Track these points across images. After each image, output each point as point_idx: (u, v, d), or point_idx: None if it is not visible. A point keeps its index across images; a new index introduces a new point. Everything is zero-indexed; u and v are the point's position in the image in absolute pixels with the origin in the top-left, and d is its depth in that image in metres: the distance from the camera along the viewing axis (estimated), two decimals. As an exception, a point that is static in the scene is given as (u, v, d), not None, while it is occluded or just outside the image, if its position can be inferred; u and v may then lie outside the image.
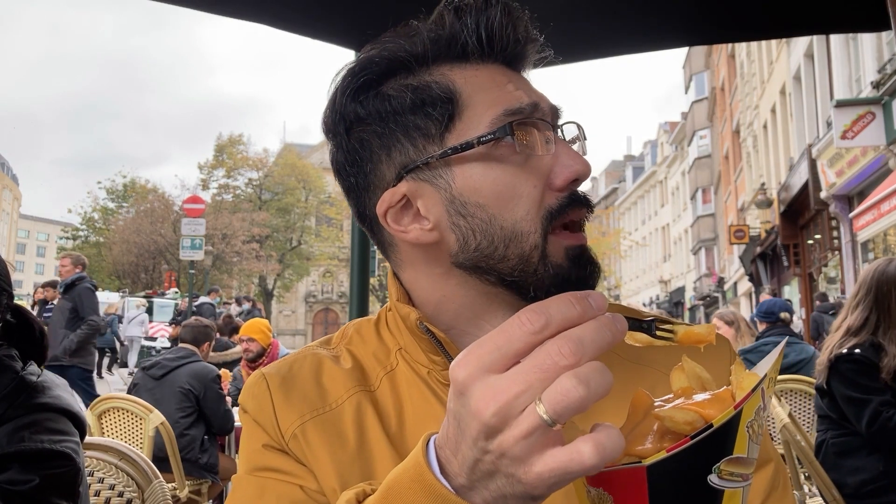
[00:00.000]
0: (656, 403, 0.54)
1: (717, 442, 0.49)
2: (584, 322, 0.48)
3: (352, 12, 2.01)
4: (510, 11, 0.79)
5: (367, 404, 0.81)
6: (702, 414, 0.50)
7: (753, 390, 0.50)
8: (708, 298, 35.63)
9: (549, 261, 0.76)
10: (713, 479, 0.50)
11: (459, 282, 0.80)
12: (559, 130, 0.81)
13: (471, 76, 0.79)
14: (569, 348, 0.47)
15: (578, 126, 0.83)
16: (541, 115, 0.78)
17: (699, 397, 0.53)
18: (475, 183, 0.76)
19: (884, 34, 12.22)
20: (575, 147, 0.82)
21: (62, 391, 1.34)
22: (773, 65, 21.05)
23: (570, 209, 0.77)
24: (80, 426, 1.34)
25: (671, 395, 0.55)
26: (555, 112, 0.81)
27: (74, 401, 1.37)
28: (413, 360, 0.83)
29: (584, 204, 0.78)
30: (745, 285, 26.71)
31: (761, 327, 4.99)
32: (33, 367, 1.34)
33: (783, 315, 4.95)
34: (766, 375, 0.52)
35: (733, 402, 0.51)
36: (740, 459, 0.50)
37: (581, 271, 0.77)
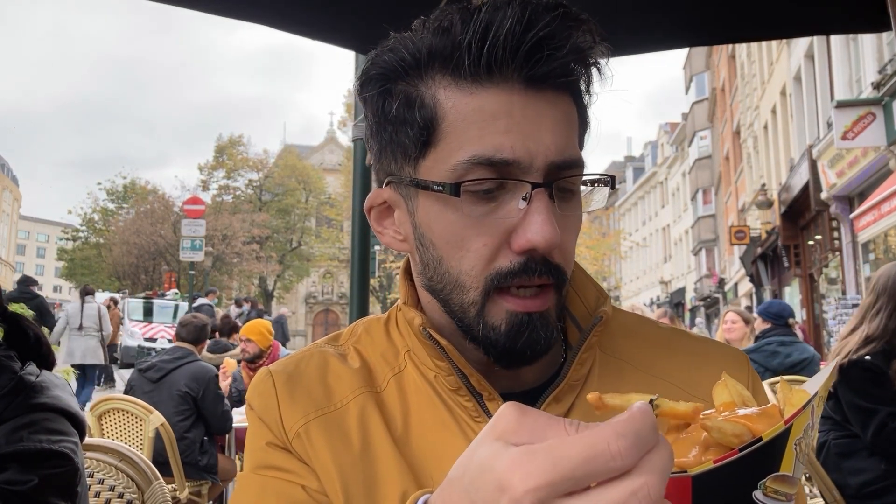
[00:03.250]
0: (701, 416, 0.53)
1: (764, 457, 0.48)
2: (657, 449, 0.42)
3: (353, 13, 2.00)
4: (531, 17, 0.68)
5: (373, 406, 0.80)
6: (750, 428, 0.49)
7: (804, 407, 0.49)
8: (708, 299, 35.63)
9: (485, 320, 0.73)
10: (758, 495, 0.48)
11: (431, 298, 0.81)
12: (550, 188, 0.70)
13: (463, 100, 0.71)
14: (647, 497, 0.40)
15: (595, 181, 0.75)
16: (518, 172, 0.69)
17: (745, 411, 0.52)
18: (431, 221, 0.75)
19: (884, 35, 12.22)
20: (570, 203, 0.74)
21: (61, 391, 1.33)
22: (773, 65, 21.05)
23: (521, 276, 0.71)
24: (79, 426, 1.34)
25: (713, 411, 0.54)
26: (550, 167, 0.70)
27: (73, 401, 1.36)
28: (420, 363, 0.82)
29: (542, 273, 0.71)
30: (746, 286, 26.71)
31: (764, 326, 5.00)
32: (32, 368, 1.34)
33: (791, 321, 5.00)
34: (816, 393, 0.51)
35: (781, 417, 0.50)
36: (786, 478, 0.49)
37: (513, 342, 0.73)
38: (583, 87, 0.76)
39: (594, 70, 0.75)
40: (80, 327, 10.20)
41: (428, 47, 0.72)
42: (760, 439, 0.47)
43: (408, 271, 0.86)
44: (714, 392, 0.56)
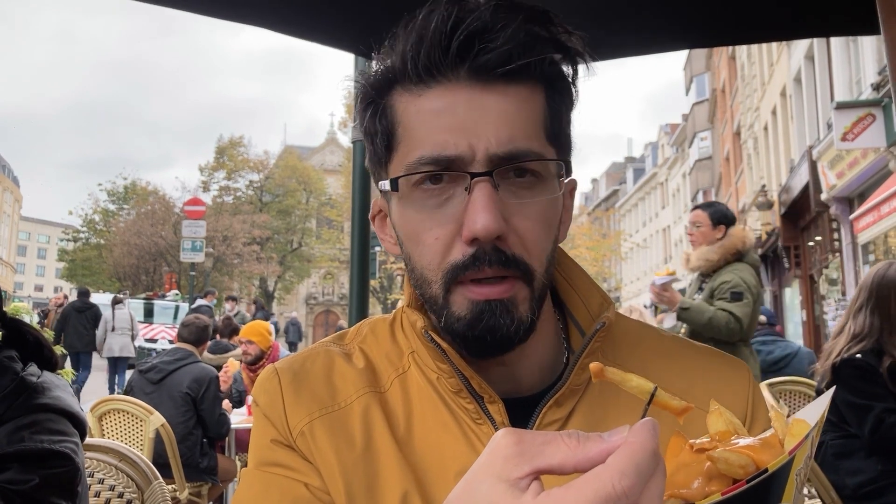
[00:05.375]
0: (698, 444, 0.54)
1: (769, 488, 0.48)
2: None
3: (350, 16, 2.01)
4: (459, 15, 0.71)
5: (376, 406, 0.81)
6: (754, 459, 0.50)
7: (805, 438, 0.50)
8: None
9: (450, 311, 0.75)
10: None
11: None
12: (492, 177, 0.71)
13: (412, 103, 0.75)
14: None
15: (522, 170, 0.74)
16: (462, 165, 0.72)
17: (743, 441, 0.53)
18: (398, 220, 0.79)
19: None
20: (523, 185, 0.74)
21: (62, 392, 1.35)
22: (773, 66, 21.05)
23: (472, 268, 0.72)
24: (80, 426, 1.35)
25: (708, 439, 0.55)
26: (493, 158, 0.72)
27: (74, 401, 1.38)
28: (423, 365, 0.83)
29: (492, 263, 0.71)
30: (746, 287, 26.66)
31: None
32: (33, 368, 1.35)
33: (760, 318, 5.18)
34: (816, 424, 0.52)
35: (781, 447, 0.51)
36: None
37: (472, 329, 0.74)
38: (548, 72, 0.76)
39: (559, 53, 0.76)
40: (114, 329, 12.73)
41: (385, 61, 0.77)
42: (766, 470, 0.47)
43: None
44: (708, 421, 0.57)
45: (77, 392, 12.25)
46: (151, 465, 1.67)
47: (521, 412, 0.79)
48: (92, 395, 12.31)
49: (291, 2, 2.04)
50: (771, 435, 0.53)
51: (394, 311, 0.91)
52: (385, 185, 0.78)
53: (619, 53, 2.46)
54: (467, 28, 0.70)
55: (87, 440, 1.67)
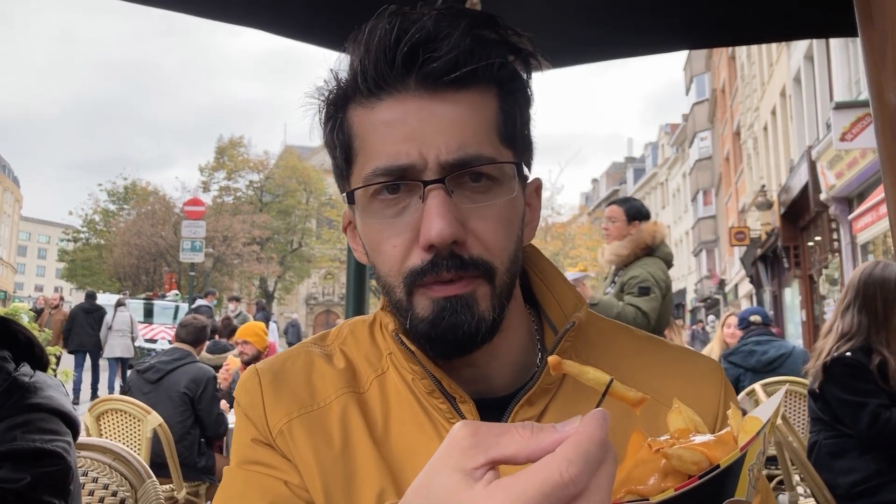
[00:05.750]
0: (658, 442, 0.55)
1: (722, 483, 0.50)
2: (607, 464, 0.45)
3: (334, 15, 2.02)
4: (402, 26, 0.72)
5: (355, 406, 0.82)
6: (708, 455, 0.51)
7: (757, 434, 0.51)
8: (709, 300, 35.62)
9: (414, 313, 0.76)
10: None
11: None
12: (444, 184, 0.72)
13: (366, 116, 0.76)
14: None
15: (478, 174, 0.75)
16: (415, 174, 0.73)
17: (699, 438, 0.54)
18: (361, 230, 0.81)
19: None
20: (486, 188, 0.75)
21: (55, 392, 1.36)
22: (773, 67, 21.07)
23: (431, 273, 0.73)
24: (73, 426, 1.36)
25: (668, 437, 0.56)
26: (444, 165, 0.73)
27: (67, 401, 1.39)
28: (400, 366, 0.84)
29: (450, 267, 0.73)
30: (747, 287, 26.71)
31: (742, 334, 5.34)
32: (26, 368, 1.36)
33: (752, 318, 5.27)
34: (768, 420, 0.53)
35: (735, 444, 0.52)
36: (740, 502, 0.51)
37: (435, 328, 0.75)
38: (500, 76, 0.76)
39: (510, 56, 0.77)
40: (111, 328, 13.33)
41: (339, 76, 0.79)
42: (718, 466, 0.49)
43: None
44: (668, 419, 0.58)
45: (93, 386, 13.31)
46: (145, 464, 1.68)
47: (494, 412, 0.80)
48: (103, 392, 13.17)
49: (284, 3, 2.05)
50: (726, 432, 0.55)
51: (374, 312, 0.92)
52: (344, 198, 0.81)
53: (612, 55, 2.47)
54: (411, 39, 0.72)
55: (82, 439, 1.69)
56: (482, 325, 0.75)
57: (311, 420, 0.81)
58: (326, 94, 0.80)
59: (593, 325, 0.89)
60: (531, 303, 0.90)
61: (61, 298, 16.10)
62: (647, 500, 0.49)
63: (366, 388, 0.85)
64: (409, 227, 0.74)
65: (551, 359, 0.56)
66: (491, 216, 0.75)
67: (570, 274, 3.99)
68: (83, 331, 13.30)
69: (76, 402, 12.56)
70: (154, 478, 1.68)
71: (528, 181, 0.84)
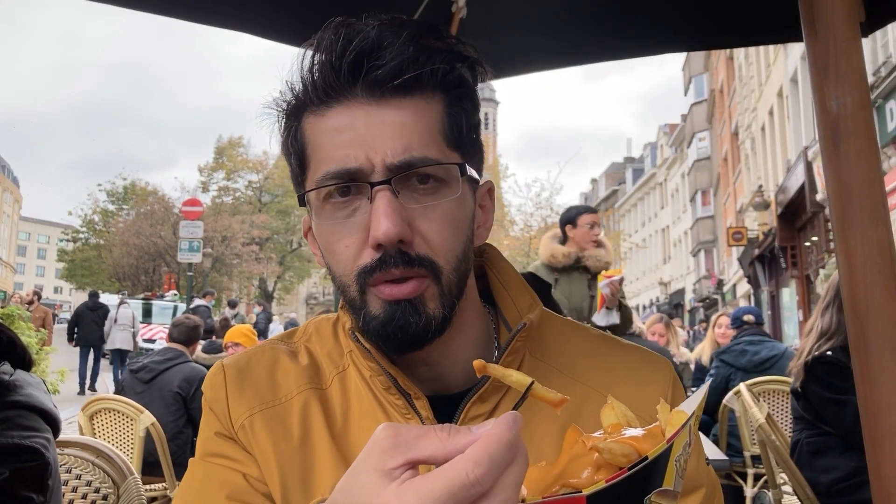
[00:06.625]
0: (592, 437, 0.57)
1: (650, 473, 0.52)
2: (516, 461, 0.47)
3: (296, 12, 2.03)
4: (347, 37, 0.76)
5: (315, 402, 0.85)
6: (637, 447, 0.53)
7: (682, 427, 0.54)
8: (707, 300, 35.63)
9: (367, 312, 0.79)
10: None
11: None
12: (390, 185, 0.75)
13: (318, 124, 0.80)
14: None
15: (424, 176, 0.78)
16: (362, 177, 0.76)
17: (630, 432, 0.56)
18: (316, 231, 0.84)
19: (878, 38, 12.27)
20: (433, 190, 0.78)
21: (34, 390, 1.39)
22: (770, 67, 21.10)
23: (380, 270, 0.76)
24: (53, 423, 1.40)
25: (602, 433, 0.58)
26: (391, 168, 0.76)
27: (47, 398, 1.42)
28: (359, 364, 0.87)
29: (398, 264, 0.75)
30: (745, 287, 26.72)
31: (734, 333, 5.37)
32: (6, 367, 1.39)
33: (746, 318, 5.30)
34: (693, 413, 0.56)
35: (663, 437, 0.55)
36: (668, 492, 0.53)
37: (385, 328, 0.78)
38: (445, 81, 0.79)
39: (453, 62, 0.80)
40: (116, 321, 14.69)
41: (294, 87, 0.81)
42: (646, 458, 0.51)
43: None
44: (602, 414, 0.61)
45: (91, 378, 14.42)
46: (127, 462, 1.71)
47: (448, 409, 0.83)
48: (107, 384, 14.06)
49: (276, 8, 2.06)
50: (655, 426, 0.57)
51: (338, 311, 0.95)
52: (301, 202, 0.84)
53: (599, 57, 2.49)
54: (355, 49, 0.75)
55: (66, 437, 1.72)
56: (431, 324, 0.78)
57: (273, 415, 0.84)
58: (283, 104, 0.83)
59: (549, 324, 0.92)
60: (490, 303, 0.93)
61: (36, 294, 16.41)
62: (580, 492, 0.51)
63: (328, 384, 0.88)
64: (360, 227, 0.77)
65: (476, 362, 0.59)
66: (436, 217, 0.78)
67: (617, 276, 4.04)
68: (88, 327, 14.55)
69: (81, 393, 13.66)
70: (136, 475, 1.71)
71: (480, 183, 0.87)
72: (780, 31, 1.66)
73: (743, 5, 1.66)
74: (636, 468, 0.51)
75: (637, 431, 0.57)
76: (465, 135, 0.82)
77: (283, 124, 0.84)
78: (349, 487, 0.49)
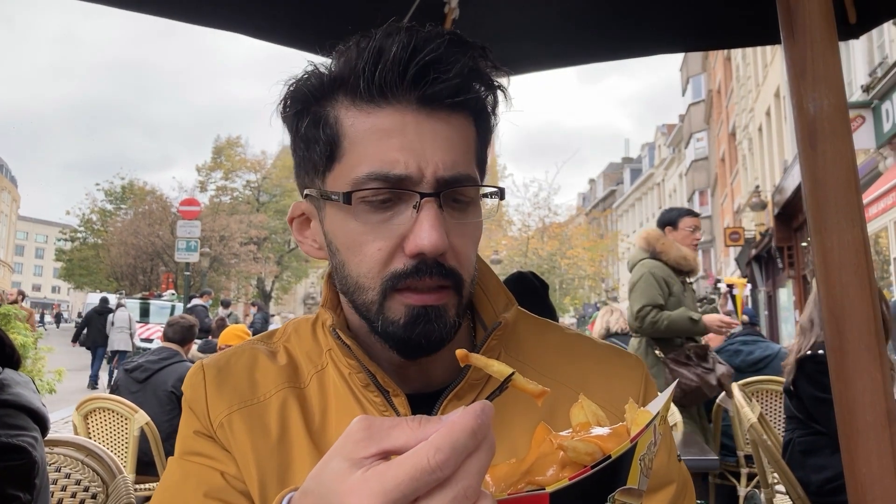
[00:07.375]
0: (560, 436, 0.58)
1: (613, 472, 0.53)
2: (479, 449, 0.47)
3: (317, 20, 2.05)
4: (417, 44, 0.75)
5: (294, 401, 0.86)
6: (601, 446, 0.54)
7: (647, 426, 0.54)
8: (705, 300, 35.62)
9: (385, 316, 0.79)
10: None
11: (345, 299, 0.87)
12: (438, 199, 0.76)
13: (361, 120, 0.78)
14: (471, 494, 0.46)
15: (487, 194, 0.82)
16: (410, 184, 0.76)
17: (598, 431, 0.57)
18: (335, 228, 0.82)
19: (874, 38, 12.30)
20: (463, 212, 0.80)
21: (23, 389, 1.40)
22: (767, 68, 21.13)
23: (413, 277, 0.77)
24: (41, 422, 1.40)
25: (570, 431, 0.59)
26: (440, 181, 0.76)
27: (36, 398, 1.43)
28: (338, 362, 0.88)
29: (433, 274, 0.77)
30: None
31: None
32: (-7, 366, 1.40)
33: (742, 318, 5.36)
34: (658, 413, 0.56)
35: (629, 436, 0.55)
36: (632, 490, 0.54)
37: (409, 332, 0.78)
38: (480, 106, 0.82)
39: (490, 90, 0.82)
40: (113, 324, 15.63)
41: (332, 73, 0.80)
42: (609, 457, 0.52)
43: (332, 276, 0.93)
44: (571, 413, 0.61)
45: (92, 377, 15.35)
46: (116, 461, 1.72)
47: (426, 405, 0.85)
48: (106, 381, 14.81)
49: (273, 10, 2.08)
50: (621, 426, 0.58)
51: (317, 311, 0.96)
52: (313, 192, 0.83)
53: (598, 57, 2.50)
54: (424, 58, 0.75)
55: (55, 436, 1.73)
56: (451, 332, 0.80)
57: (251, 413, 0.85)
58: (306, 82, 0.81)
59: (524, 323, 0.94)
60: (467, 303, 0.94)
61: (20, 294, 16.91)
62: (544, 489, 0.52)
63: (306, 383, 0.89)
64: (397, 233, 0.77)
65: (458, 352, 0.60)
66: (467, 233, 0.81)
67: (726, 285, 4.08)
68: (96, 330, 15.84)
69: (94, 388, 14.80)
70: (125, 473, 1.72)
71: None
72: (777, 32, 1.67)
73: (742, 6, 1.67)
74: (599, 467, 0.51)
75: (603, 430, 0.57)
76: (484, 158, 0.85)
77: (303, 107, 0.82)
78: (320, 475, 0.50)
